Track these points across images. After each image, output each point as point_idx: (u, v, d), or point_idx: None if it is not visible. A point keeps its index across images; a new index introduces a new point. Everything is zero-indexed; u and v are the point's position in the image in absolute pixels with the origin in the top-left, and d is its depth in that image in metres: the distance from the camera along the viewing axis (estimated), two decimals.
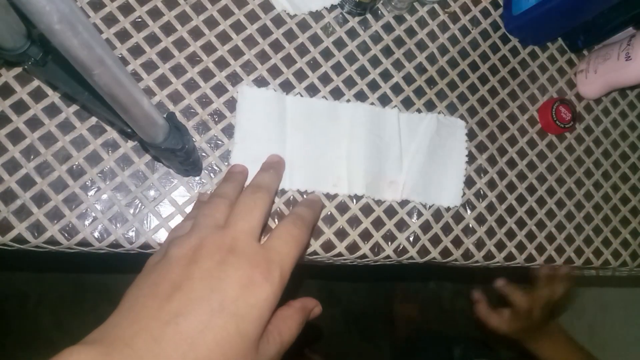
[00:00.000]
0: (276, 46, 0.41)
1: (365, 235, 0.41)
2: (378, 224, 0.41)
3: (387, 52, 0.44)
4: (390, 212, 0.42)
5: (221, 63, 0.39)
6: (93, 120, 0.36)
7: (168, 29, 0.39)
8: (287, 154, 0.39)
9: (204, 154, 0.38)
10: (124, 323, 0.21)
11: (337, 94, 0.42)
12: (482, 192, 0.45)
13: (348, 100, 0.42)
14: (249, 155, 0.38)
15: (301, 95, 0.41)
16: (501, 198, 0.45)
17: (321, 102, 0.41)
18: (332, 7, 0.43)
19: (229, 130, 0.39)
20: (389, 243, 0.41)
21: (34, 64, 0.29)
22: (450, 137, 0.44)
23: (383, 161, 0.41)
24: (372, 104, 0.42)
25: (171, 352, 0.20)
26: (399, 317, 1.19)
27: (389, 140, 0.42)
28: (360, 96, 0.42)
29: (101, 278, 1.05)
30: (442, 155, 0.43)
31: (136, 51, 0.38)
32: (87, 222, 0.35)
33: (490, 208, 0.45)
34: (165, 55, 0.38)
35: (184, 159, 0.32)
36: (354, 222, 0.41)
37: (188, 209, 0.37)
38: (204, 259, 0.24)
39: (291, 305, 0.28)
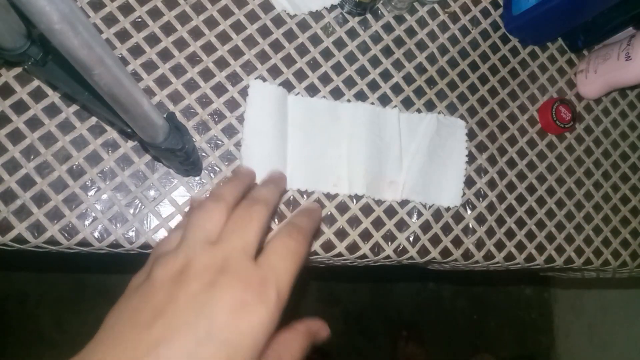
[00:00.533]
0: (276, 46, 0.41)
1: (365, 235, 0.41)
2: (378, 224, 0.41)
3: (387, 52, 0.44)
4: (390, 212, 0.42)
5: (221, 63, 0.39)
6: (93, 120, 0.36)
7: (168, 29, 0.39)
8: (287, 153, 0.39)
9: (204, 154, 0.38)
10: (100, 353, 0.20)
11: (337, 94, 0.42)
12: (482, 192, 0.45)
13: (348, 100, 0.42)
14: (256, 154, 0.38)
15: (301, 96, 0.41)
16: (501, 198, 0.45)
17: (321, 102, 0.41)
18: (332, 7, 0.43)
19: (229, 130, 0.39)
20: (389, 243, 0.41)
21: (34, 64, 0.28)
22: (450, 137, 0.44)
23: (383, 161, 0.41)
24: (372, 104, 0.42)
25: None
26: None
27: (389, 140, 0.42)
28: (360, 96, 0.42)
29: (101, 278, 1.05)
30: (442, 155, 0.43)
31: (136, 51, 0.38)
32: (87, 222, 0.35)
33: (490, 208, 0.45)
34: (165, 55, 0.38)
35: (184, 159, 0.32)
36: (354, 222, 0.41)
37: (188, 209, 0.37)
38: (190, 281, 0.21)
39: (294, 328, 0.26)
